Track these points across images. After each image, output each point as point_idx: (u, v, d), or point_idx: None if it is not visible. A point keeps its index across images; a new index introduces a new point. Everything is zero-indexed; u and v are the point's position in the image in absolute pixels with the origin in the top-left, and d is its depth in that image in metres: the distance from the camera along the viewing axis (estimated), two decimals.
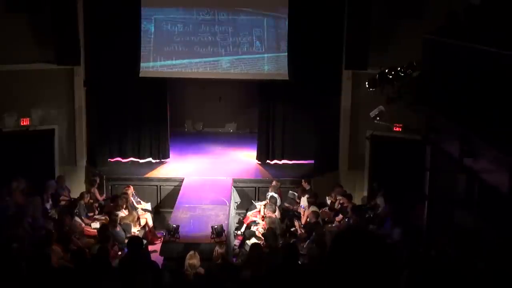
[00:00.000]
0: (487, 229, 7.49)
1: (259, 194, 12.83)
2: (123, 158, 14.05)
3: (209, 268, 8.11)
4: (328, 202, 12.13)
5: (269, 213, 10.88)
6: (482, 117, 6.83)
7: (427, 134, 8.62)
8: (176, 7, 13.25)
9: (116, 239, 9.89)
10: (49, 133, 13.23)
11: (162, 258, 9.88)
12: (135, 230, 10.98)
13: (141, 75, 13.36)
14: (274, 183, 12.25)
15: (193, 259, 7.75)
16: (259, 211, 11.69)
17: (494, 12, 7.81)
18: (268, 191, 12.16)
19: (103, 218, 11.20)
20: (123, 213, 11.08)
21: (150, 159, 14.01)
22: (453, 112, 7.67)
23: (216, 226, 9.88)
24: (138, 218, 11.29)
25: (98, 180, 12.55)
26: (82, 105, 13.41)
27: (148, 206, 12.28)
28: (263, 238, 10.16)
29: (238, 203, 12.59)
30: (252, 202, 12.34)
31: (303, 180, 12.46)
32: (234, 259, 10.08)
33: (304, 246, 10.07)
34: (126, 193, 11.67)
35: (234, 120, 17.04)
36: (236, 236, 11.49)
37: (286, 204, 12.05)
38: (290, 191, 12.43)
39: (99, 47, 13.14)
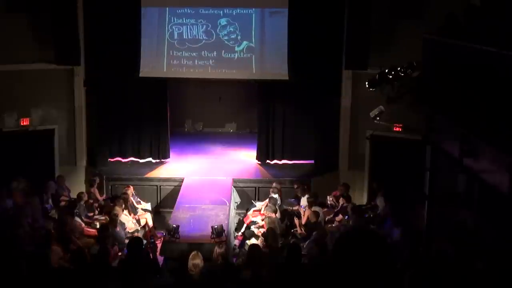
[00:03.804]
0: (487, 229, 7.49)
1: (259, 194, 12.84)
2: (123, 158, 14.06)
3: (209, 268, 8.11)
4: (329, 201, 12.13)
5: (269, 213, 10.88)
6: (482, 117, 6.82)
7: (427, 134, 8.60)
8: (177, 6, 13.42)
9: (116, 239, 9.89)
10: (49, 133, 13.25)
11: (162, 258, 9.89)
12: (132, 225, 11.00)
13: (141, 75, 13.41)
14: (274, 184, 12.24)
15: (196, 259, 7.75)
16: (259, 211, 11.69)
17: (494, 12, 7.81)
18: (268, 192, 12.17)
19: (103, 218, 11.19)
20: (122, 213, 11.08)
21: (150, 159, 14.02)
22: (453, 112, 7.66)
23: (216, 226, 9.88)
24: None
25: (98, 180, 12.55)
26: (82, 105, 13.43)
27: (148, 206, 12.28)
28: (263, 238, 10.15)
29: (238, 203, 12.59)
30: (252, 202, 12.34)
31: (295, 185, 12.42)
32: (234, 259, 10.07)
33: (304, 246, 10.07)
34: (126, 193, 11.67)
35: (234, 120, 17.05)
36: (236, 236, 11.49)
37: (285, 206, 12.03)
38: (288, 200, 12.38)
39: (99, 47, 13.16)
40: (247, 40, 13.23)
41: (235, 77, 13.66)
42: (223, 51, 13.23)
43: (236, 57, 13.30)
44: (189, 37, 13.21)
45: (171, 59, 13.35)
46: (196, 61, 13.25)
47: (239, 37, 13.22)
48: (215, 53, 13.25)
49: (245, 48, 13.27)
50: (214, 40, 13.22)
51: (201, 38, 13.17)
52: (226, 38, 13.19)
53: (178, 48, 13.26)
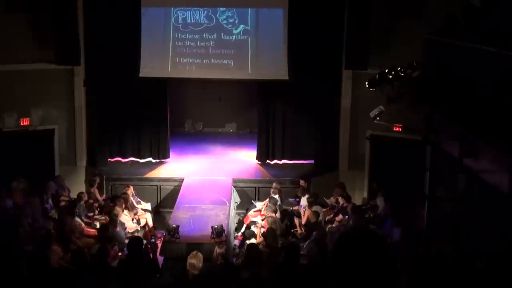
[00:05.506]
0: (487, 229, 7.49)
1: (259, 194, 12.84)
2: (123, 158, 14.07)
3: (209, 268, 8.11)
4: (331, 201, 12.13)
5: (269, 213, 10.88)
6: (482, 117, 6.82)
7: (427, 134, 8.59)
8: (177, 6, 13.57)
9: (116, 239, 9.89)
10: (49, 133, 13.24)
11: (162, 258, 9.89)
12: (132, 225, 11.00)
13: (141, 75, 13.44)
14: (275, 184, 12.24)
15: (193, 259, 7.76)
16: (260, 211, 11.69)
17: (494, 12, 7.80)
18: (268, 192, 12.16)
19: (103, 218, 11.19)
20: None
21: (150, 159, 14.03)
22: (453, 112, 7.65)
23: (216, 226, 9.88)
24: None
25: (98, 180, 12.55)
26: (82, 105, 13.43)
27: (148, 206, 12.28)
28: (263, 238, 10.15)
29: (238, 203, 12.59)
30: (252, 202, 12.34)
31: (301, 181, 12.47)
32: (234, 259, 10.07)
33: (304, 246, 10.07)
34: (126, 193, 11.67)
35: (234, 120, 17.05)
36: (236, 236, 11.49)
37: (284, 207, 12.03)
38: (288, 200, 12.40)
39: (99, 47, 13.17)
40: (244, 23, 13.74)
41: (233, 76, 13.74)
42: (222, 33, 13.79)
43: (234, 39, 13.79)
44: (192, 21, 13.83)
45: (176, 41, 13.73)
46: (198, 43, 13.76)
47: (236, 21, 13.83)
48: (215, 35, 13.79)
49: (241, 31, 13.77)
50: (214, 23, 13.76)
51: (203, 22, 13.81)
52: (225, 22, 13.81)
53: (182, 31, 13.78)
